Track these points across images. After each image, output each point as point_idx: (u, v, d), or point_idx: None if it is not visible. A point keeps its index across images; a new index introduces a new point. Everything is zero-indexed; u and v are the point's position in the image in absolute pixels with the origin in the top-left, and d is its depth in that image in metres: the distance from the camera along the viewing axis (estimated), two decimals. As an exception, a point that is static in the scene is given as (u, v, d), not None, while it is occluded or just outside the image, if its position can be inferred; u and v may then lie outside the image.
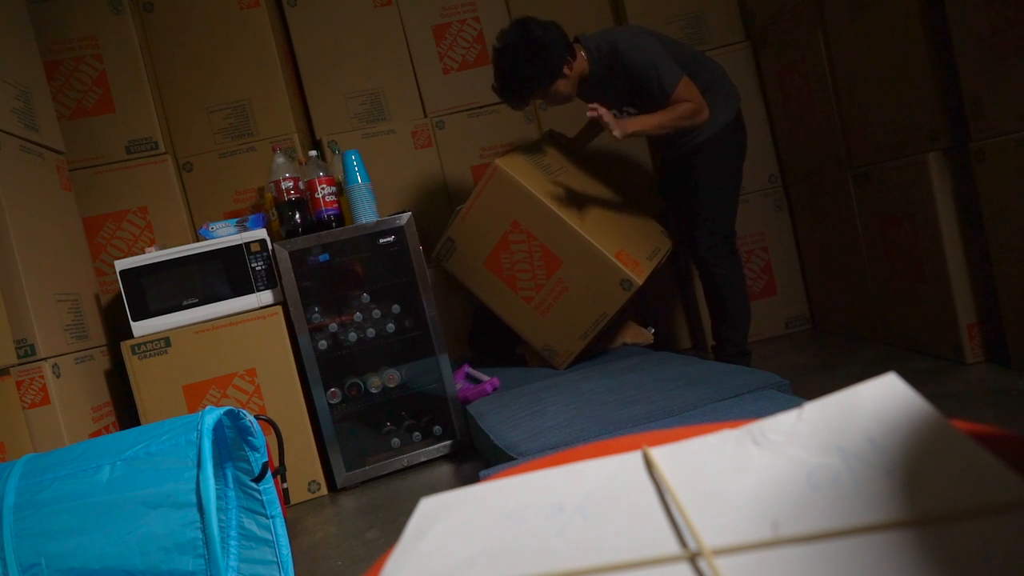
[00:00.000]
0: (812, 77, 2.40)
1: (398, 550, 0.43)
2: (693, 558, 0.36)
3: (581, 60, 2.11)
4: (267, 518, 1.48)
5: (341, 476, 2.10)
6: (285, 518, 1.53)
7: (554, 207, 2.08)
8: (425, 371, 2.19)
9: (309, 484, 2.11)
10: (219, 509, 1.43)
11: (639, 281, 2.04)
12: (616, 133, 1.90)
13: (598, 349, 2.41)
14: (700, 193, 2.15)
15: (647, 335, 2.50)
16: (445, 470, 2.10)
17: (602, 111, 1.88)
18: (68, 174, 2.19)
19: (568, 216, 2.08)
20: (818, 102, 2.40)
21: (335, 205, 2.20)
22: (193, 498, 1.24)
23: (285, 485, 1.71)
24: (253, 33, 2.48)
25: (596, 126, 2.41)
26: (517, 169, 2.13)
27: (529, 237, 2.13)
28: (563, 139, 2.48)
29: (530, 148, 2.30)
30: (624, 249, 2.09)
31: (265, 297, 2.12)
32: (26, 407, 1.74)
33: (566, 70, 2.07)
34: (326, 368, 2.10)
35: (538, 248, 2.13)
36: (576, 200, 2.17)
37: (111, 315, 2.23)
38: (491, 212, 2.16)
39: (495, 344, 2.55)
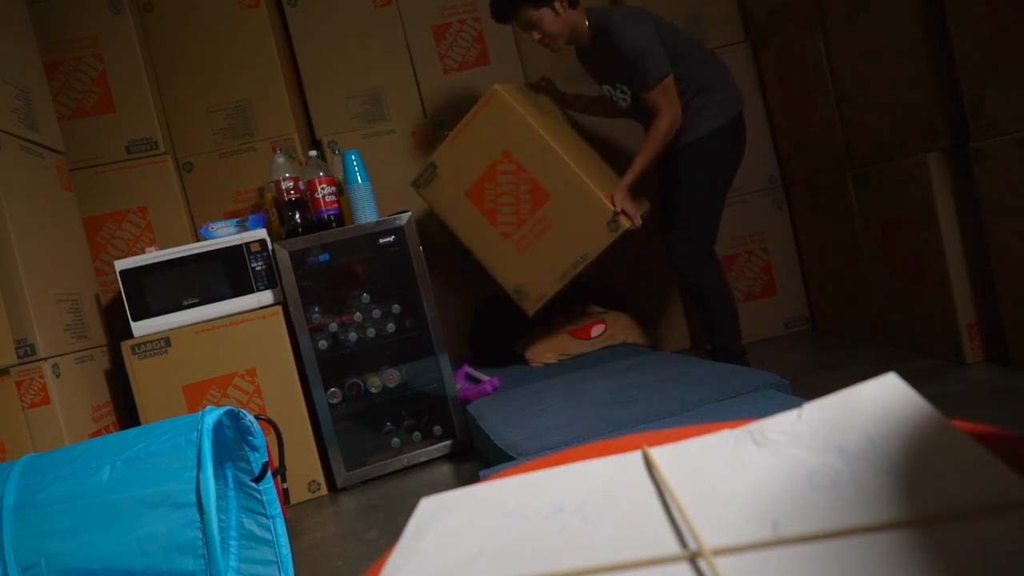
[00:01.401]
0: (812, 77, 2.40)
1: (398, 550, 0.43)
2: (693, 558, 0.36)
3: (580, 18, 2.12)
4: (267, 518, 1.47)
5: (341, 476, 2.10)
6: (285, 518, 1.53)
7: (552, 141, 2.03)
8: (425, 371, 2.19)
9: (309, 484, 2.11)
10: (219, 509, 1.42)
11: (626, 224, 2.02)
12: (621, 204, 2.01)
13: (598, 347, 2.41)
14: (681, 196, 2.15)
15: (647, 334, 2.50)
16: (445, 470, 2.10)
17: (616, 205, 2.02)
18: (68, 174, 2.19)
19: (562, 149, 2.05)
20: (818, 102, 2.40)
21: (335, 205, 2.20)
22: (193, 498, 1.23)
23: (285, 485, 1.71)
24: (253, 33, 2.48)
25: (604, 104, 2.38)
26: (516, 99, 2.08)
27: (519, 169, 2.07)
28: (555, 90, 2.42)
29: (527, 87, 2.26)
30: (612, 194, 2.07)
31: (265, 297, 2.12)
32: (26, 407, 1.73)
33: (557, 5, 2.08)
34: (326, 368, 2.10)
35: (526, 181, 2.07)
36: (569, 141, 2.15)
37: (111, 315, 2.23)
38: (482, 139, 2.09)
39: (495, 344, 2.55)
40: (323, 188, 2.18)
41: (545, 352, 2.38)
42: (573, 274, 2.11)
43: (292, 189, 2.17)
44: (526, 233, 2.11)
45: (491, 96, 2.06)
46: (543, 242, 2.10)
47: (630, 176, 2.05)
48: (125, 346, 2.00)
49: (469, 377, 2.36)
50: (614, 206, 2.01)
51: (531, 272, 2.14)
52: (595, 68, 2.26)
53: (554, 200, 2.06)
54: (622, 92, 2.18)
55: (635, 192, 2.16)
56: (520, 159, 2.06)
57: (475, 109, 2.09)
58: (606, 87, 2.25)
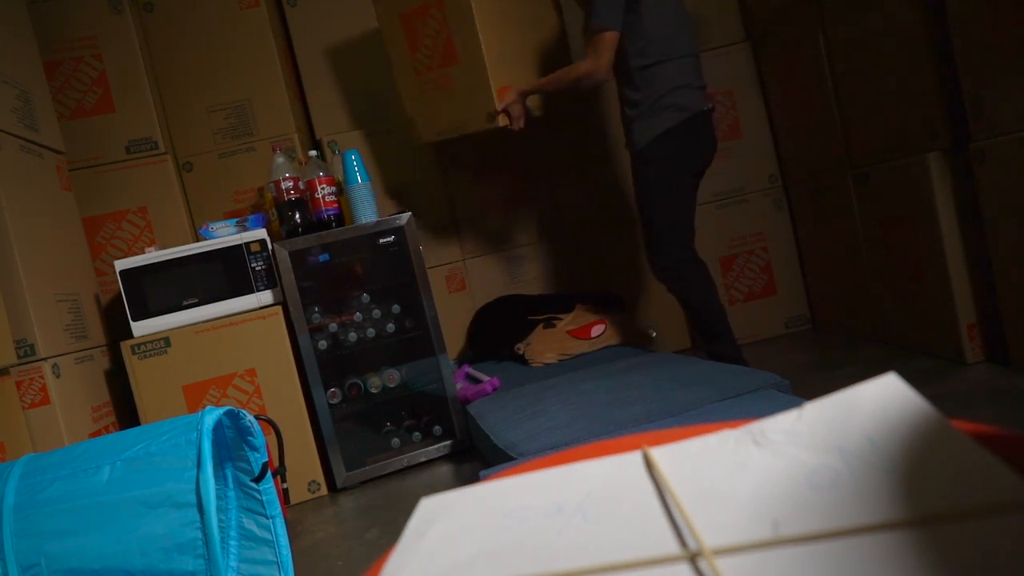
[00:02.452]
0: (812, 77, 2.40)
1: (398, 550, 0.43)
2: (693, 558, 0.36)
3: None
4: (267, 518, 1.47)
5: (341, 476, 2.10)
6: (285, 518, 1.53)
7: (477, 15, 2.09)
8: (425, 371, 2.19)
9: (309, 484, 2.11)
10: (219, 509, 1.42)
11: (502, 123, 2.11)
12: (505, 104, 2.09)
13: (598, 347, 2.41)
14: (646, 207, 2.10)
15: (648, 335, 2.49)
16: (445, 470, 2.10)
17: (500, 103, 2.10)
18: (68, 174, 2.19)
19: (484, 29, 2.10)
20: (818, 102, 2.40)
21: (335, 205, 2.20)
22: (193, 498, 1.23)
23: (285, 485, 1.71)
24: (253, 33, 2.48)
25: None
26: None
27: (443, 22, 2.15)
28: None
29: None
30: (512, 88, 2.14)
31: (265, 297, 2.12)
32: (26, 407, 1.73)
33: None
34: (326, 368, 2.10)
35: (445, 37, 2.16)
36: (512, 26, 2.20)
37: (111, 315, 2.23)
38: None
39: (495, 344, 2.55)
40: (323, 188, 2.18)
41: (545, 352, 2.38)
42: (447, 136, 2.29)
43: (292, 189, 2.17)
44: (430, 80, 2.24)
45: None
46: (438, 95, 2.23)
47: (527, 87, 2.14)
48: (125, 346, 2.00)
49: (469, 377, 2.36)
50: (499, 102, 2.10)
51: (422, 113, 2.32)
52: None
53: (459, 67, 2.16)
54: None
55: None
56: (448, 15, 2.14)
57: None
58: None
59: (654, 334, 2.50)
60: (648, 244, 2.13)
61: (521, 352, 2.43)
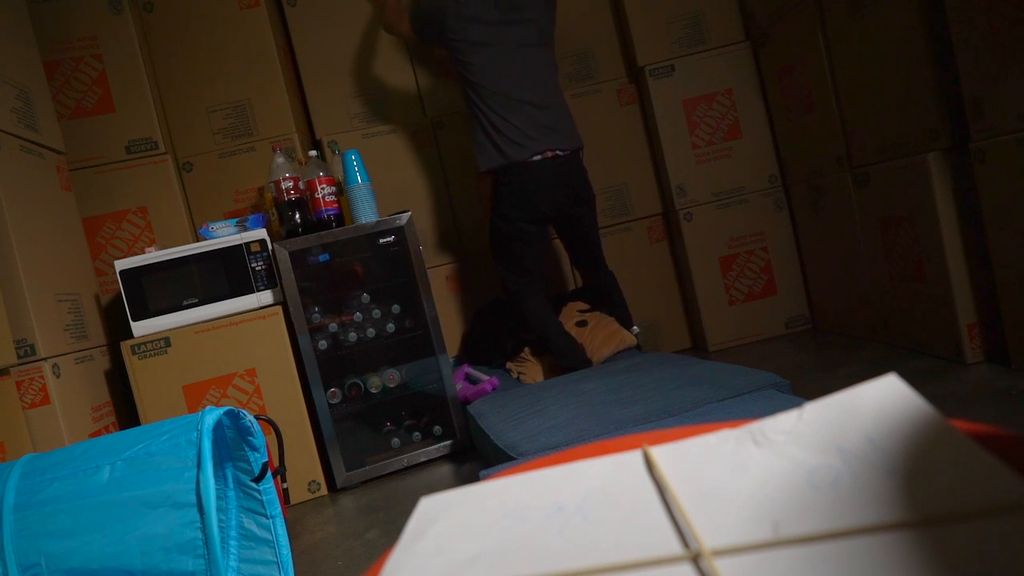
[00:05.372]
0: (812, 77, 2.40)
1: (398, 550, 0.43)
2: (693, 558, 0.36)
3: None
4: (267, 518, 1.47)
5: (341, 476, 2.10)
6: (285, 518, 1.53)
7: None
8: (425, 371, 2.19)
9: (309, 484, 2.11)
10: (219, 509, 1.43)
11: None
12: None
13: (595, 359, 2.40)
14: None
15: (631, 338, 2.44)
16: (445, 470, 2.10)
17: None
18: (68, 174, 2.19)
19: None
20: (818, 102, 2.40)
21: (335, 205, 2.20)
22: (193, 498, 1.23)
23: (285, 485, 1.71)
24: (253, 33, 2.48)
25: None
26: None
27: None
28: None
29: None
30: None
31: (265, 297, 2.12)
32: (26, 407, 1.73)
33: None
34: (326, 368, 2.10)
35: None
36: None
37: (111, 315, 2.23)
38: None
39: (488, 350, 2.55)
40: (323, 188, 2.18)
41: (536, 377, 2.36)
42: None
43: (292, 189, 2.17)
44: None
45: None
46: None
47: None
48: (125, 346, 2.00)
49: (469, 377, 2.36)
50: None
51: None
52: None
53: None
54: None
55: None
56: None
57: None
58: None
59: (637, 331, 2.48)
60: None
61: (515, 377, 2.42)
